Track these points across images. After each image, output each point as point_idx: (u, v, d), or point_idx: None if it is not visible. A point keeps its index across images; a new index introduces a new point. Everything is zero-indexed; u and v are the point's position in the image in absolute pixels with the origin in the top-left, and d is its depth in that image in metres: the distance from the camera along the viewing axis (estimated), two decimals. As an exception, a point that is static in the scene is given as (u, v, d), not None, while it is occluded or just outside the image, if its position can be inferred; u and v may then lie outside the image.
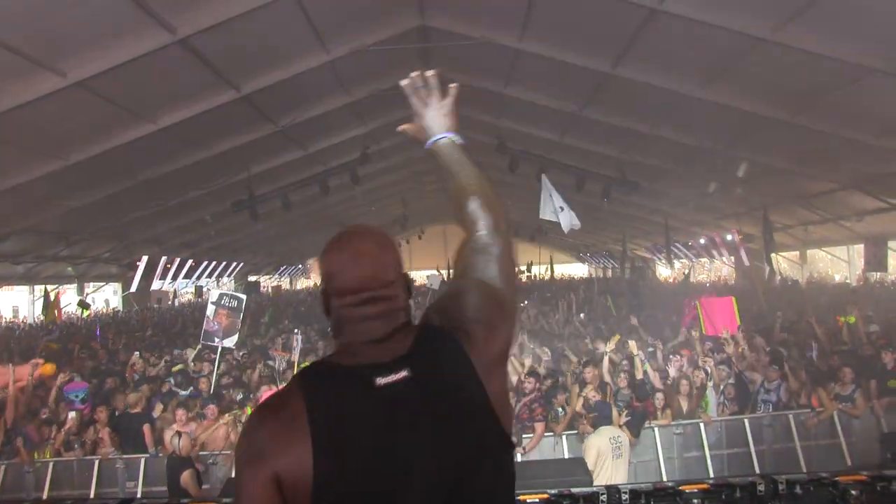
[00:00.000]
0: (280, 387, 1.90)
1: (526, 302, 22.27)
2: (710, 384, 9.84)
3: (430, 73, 2.39)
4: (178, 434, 8.41)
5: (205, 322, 11.82)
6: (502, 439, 1.84)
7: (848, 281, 23.73)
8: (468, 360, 1.83)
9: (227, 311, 11.69)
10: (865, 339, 11.74)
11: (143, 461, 9.19)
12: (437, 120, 2.36)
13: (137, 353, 13.68)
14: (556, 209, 15.87)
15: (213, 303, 11.85)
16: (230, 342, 11.76)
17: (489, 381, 1.84)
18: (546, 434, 9.18)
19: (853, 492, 3.85)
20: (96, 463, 9.17)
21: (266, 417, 1.79)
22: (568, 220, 16.03)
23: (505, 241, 2.15)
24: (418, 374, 1.77)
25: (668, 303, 19.27)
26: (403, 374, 1.76)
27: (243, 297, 12.43)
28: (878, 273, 19.62)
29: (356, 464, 1.68)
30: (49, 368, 10.99)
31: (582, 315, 17.37)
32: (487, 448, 1.79)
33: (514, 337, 2.06)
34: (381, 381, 1.74)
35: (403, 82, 2.39)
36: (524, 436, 9.06)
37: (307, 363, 2.21)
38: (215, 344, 11.57)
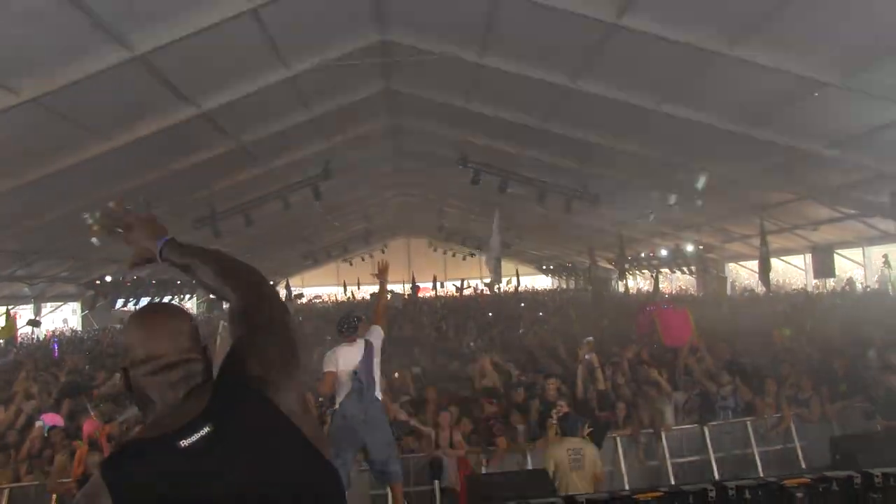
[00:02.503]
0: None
1: (490, 314, 22.42)
2: (663, 395, 9.98)
3: (110, 204, 2.57)
4: None
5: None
6: (324, 465, 1.95)
7: (807, 289, 24.16)
8: (268, 400, 1.92)
9: None
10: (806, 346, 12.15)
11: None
12: (146, 234, 2.53)
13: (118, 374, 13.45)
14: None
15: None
16: None
17: (295, 412, 1.95)
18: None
19: (798, 494, 3.97)
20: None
21: None
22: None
23: (268, 293, 2.30)
24: (220, 425, 1.84)
25: (631, 313, 19.46)
26: (206, 430, 1.82)
27: None
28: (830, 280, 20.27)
29: None
30: None
31: (545, 326, 17.48)
32: (312, 476, 1.90)
33: (301, 370, 2.17)
34: (184, 443, 1.80)
35: (96, 228, 2.64)
36: (489, 448, 9.12)
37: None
38: None
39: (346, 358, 7.17)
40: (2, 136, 11.15)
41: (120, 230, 2.56)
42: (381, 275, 8.20)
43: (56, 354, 18.33)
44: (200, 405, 1.88)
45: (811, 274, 22.95)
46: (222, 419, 1.85)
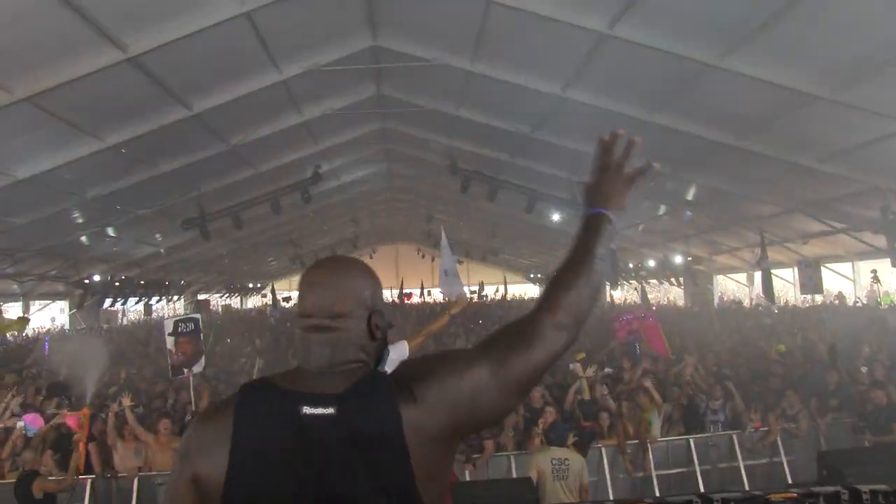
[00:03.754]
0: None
1: (481, 321, 22.39)
2: (653, 405, 9.98)
3: (636, 138, 2.29)
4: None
5: (169, 356, 11.14)
6: None
7: (794, 303, 24.28)
8: (399, 421, 1.75)
9: (186, 337, 11.06)
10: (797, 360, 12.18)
11: (88, 483, 8.84)
12: (605, 189, 2.26)
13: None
14: (447, 269, 15.36)
15: (169, 334, 11.15)
16: (199, 367, 11.12)
17: (422, 451, 1.76)
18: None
19: (784, 509, 3.98)
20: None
21: (200, 422, 1.89)
22: (449, 286, 15.43)
23: (559, 343, 1.94)
24: (343, 416, 1.75)
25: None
26: (330, 411, 1.75)
27: (197, 316, 11.63)
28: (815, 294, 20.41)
29: (262, 481, 1.73)
30: None
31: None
32: None
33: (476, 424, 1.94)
34: (306, 410, 1.75)
35: (604, 137, 2.24)
36: (474, 456, 9.11)
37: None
38: (185, 375, 10.96)
39: None
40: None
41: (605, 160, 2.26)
42: (453, 308, 7.78)
43: (47, 352, 18.16)
44: (339, 385, 1.80)
45: (798, 288, 23.08)
46: (349, 412, 1.76)
